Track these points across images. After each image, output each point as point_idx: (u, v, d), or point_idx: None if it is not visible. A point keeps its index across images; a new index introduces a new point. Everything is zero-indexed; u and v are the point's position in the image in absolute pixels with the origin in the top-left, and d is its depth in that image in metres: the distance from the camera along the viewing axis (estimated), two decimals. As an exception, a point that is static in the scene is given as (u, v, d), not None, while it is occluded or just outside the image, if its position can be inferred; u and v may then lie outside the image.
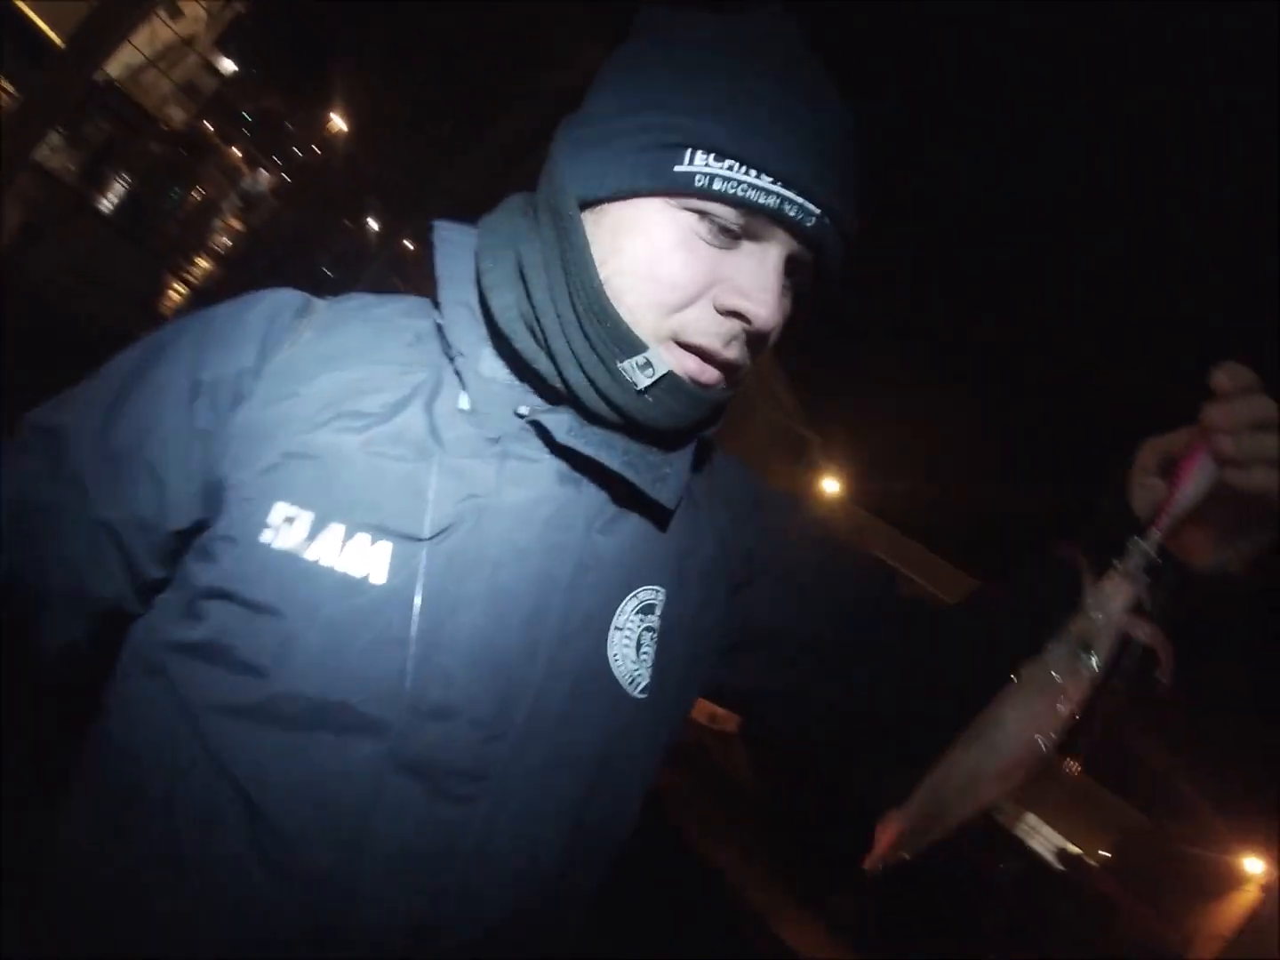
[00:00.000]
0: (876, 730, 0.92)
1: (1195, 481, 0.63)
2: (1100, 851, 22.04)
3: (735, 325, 0.77)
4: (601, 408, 0.78)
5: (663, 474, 0.80)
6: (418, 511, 0.73)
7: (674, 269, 0.75)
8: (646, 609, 0.81)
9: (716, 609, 0.88)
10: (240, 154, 19.84)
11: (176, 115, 17.63)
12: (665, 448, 0.82)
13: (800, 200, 0.73)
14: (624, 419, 0.78)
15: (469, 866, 0.70)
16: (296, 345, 0.79)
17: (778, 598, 0.91)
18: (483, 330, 0.82)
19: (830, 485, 19.59)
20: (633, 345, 0.75)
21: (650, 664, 0.80)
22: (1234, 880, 20.76)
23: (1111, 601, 0.59)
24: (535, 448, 0.79)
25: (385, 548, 0.72)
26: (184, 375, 0.77)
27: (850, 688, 0.91)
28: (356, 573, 0.71)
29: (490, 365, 0.81)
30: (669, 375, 0.76)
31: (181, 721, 0.69)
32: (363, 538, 0.72)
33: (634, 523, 0.82)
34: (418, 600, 0.71)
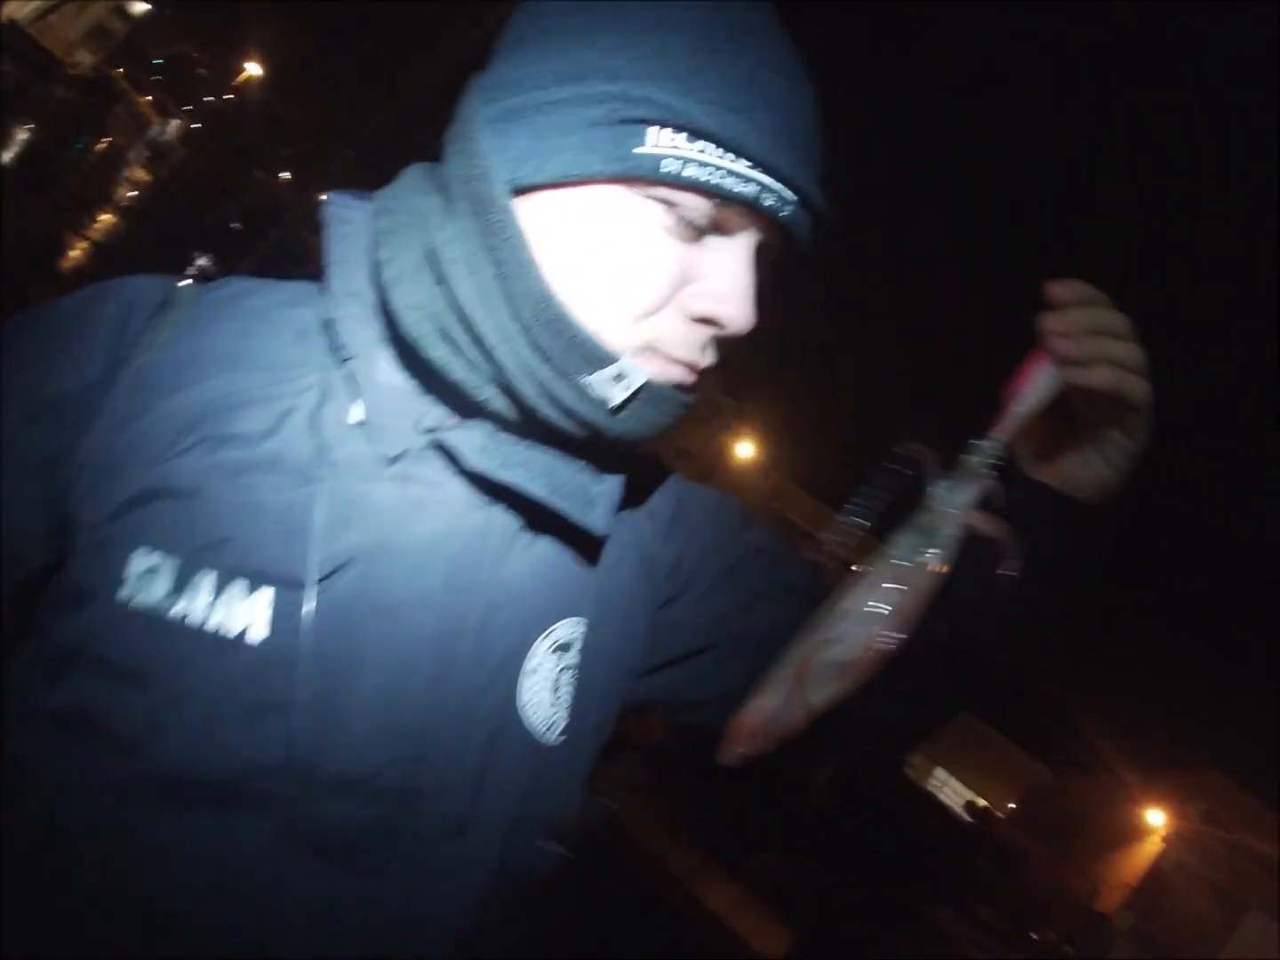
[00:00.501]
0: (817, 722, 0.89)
1: (1035, 384, 0.66)
2: (1008, 804, 22.97)
3: (709, 331, 0.67)
4: (568, 425, 0.67)
5: (592, 497, 0.71)
6: (301, 551, 0.63)
7: (640, 271, 0.64)
8: (563, 647, 0.73)
9: (639, 634, 0.81)
10: (150, 101, 19.08)
11: (85, 59, 16.88)
12: (599, 463, 0.72)
13: (779, 188, 0.63)
14: (596, 437, 0.68)
15: (386, 941, 0.64)
16: (154, 350, 0.68)
17: (707, 608, 0.86)
18: (381, 328, 0.70)
19: (745, 450, 19.82)
20: (600, 357, 0.64)
21: (568, 705, 0.73)
22: (1137, 832, 21.81)
23: (954, 496, 0.60)
24: (441, 469, 0.68)
25: (265, 597, 0.62)
26: (19, 392, 0.66)
27: None
28: (232, 629, 0.61)
29: (389, 370, 0.70)
30: (648, 384, 0.66)
31: (62, 798, 0.61)
32: (238, 586, 0.62)
33: (551, 548, 0.73)
34: (302, 661, 0.62)
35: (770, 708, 0.60)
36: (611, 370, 0.65)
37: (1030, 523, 0.73)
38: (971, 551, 0.74)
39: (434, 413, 0.69)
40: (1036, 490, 0.76)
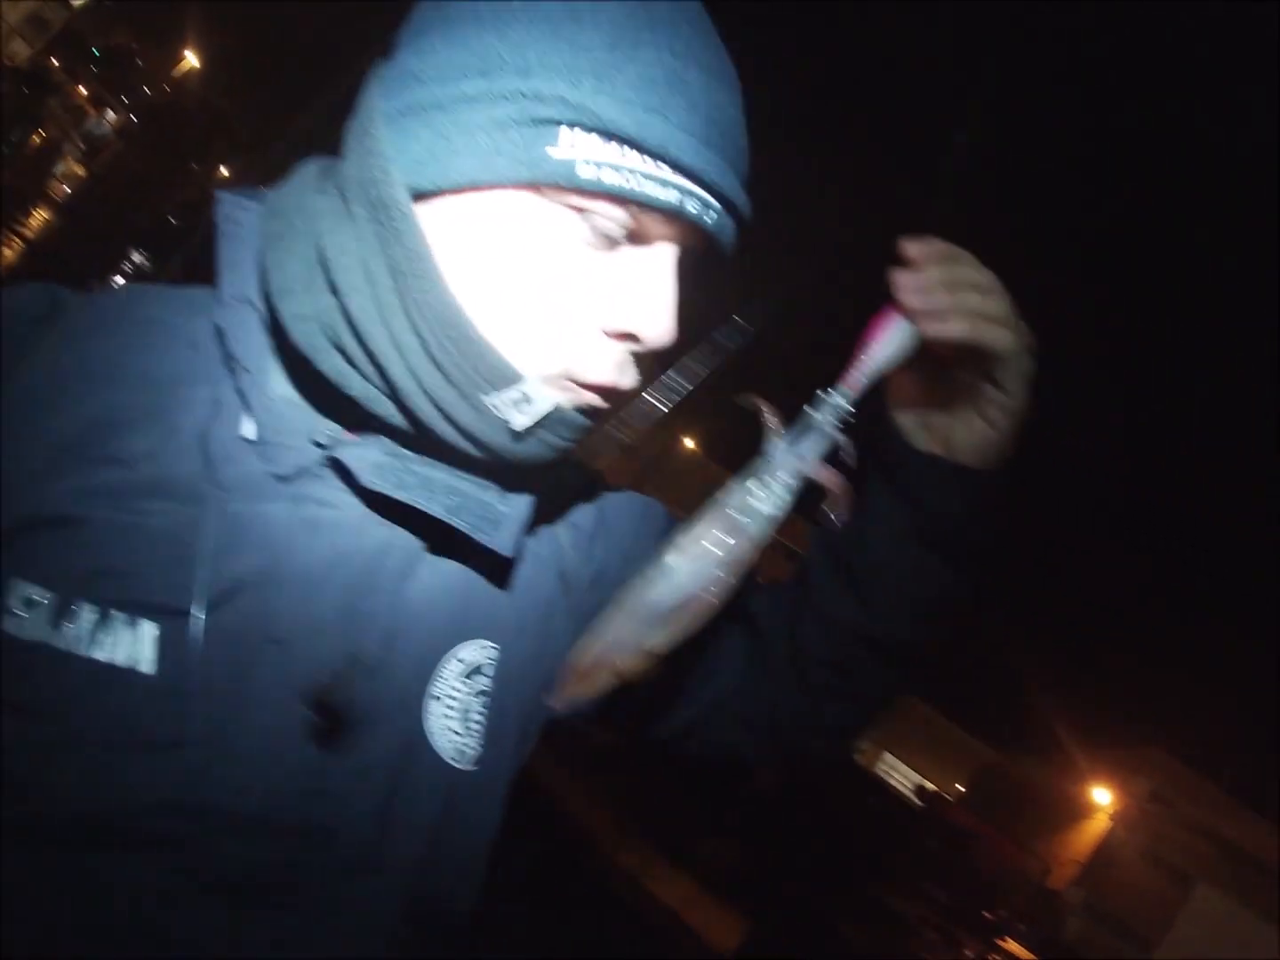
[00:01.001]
0: (750, 722, 0.85)
1: (886, 338, 0.64)
2: (957, 787, 23.39)
3: (628, 347, 0.63)
4: (466, 446, 0.63)
5: (497, 515, 0.66)
6: (187, 579, 0.59)
7: (552, 285, 0.60)
8: (473, 671, 0.69)
9: (559, 653, 0.73)
10: (87, 93, 18.64)
11: (21, 50, 16.46)
12: (506, 480, 0.67)
13: (701, 194, 0.59)
14: (491, 457, 0.64)
15: None
16: (32, 367, 0.63)
17: None
18: (271, 339, 0.66)
19: (687, 443, 19.91)
20: (504, 375, 0.60)
21: (481, 731, 0.69)
22: (1085, 810, 22.30)
23: (793, 449, 0.60)
24: (336, 487, 0.64)
25: (149, 629, 0.58)
26: None
27: (727, 686, 0.85)
28: (120, 662, 0.58)
29: (282, 382, 0.66)
30: (554, 410, 0.62)
31: None
32: (119, 619, 0.58)
33: (457, 569, 0.69)
34: (190, 695, 0.59)
35: (600, 650, 0.58)
36: (516, 392, 0.60)
37: (921, 495, 0.72)
38: (878, 535, 0.74)
39: (329, 427, 0.65)
40: (923, 460, 0.72)
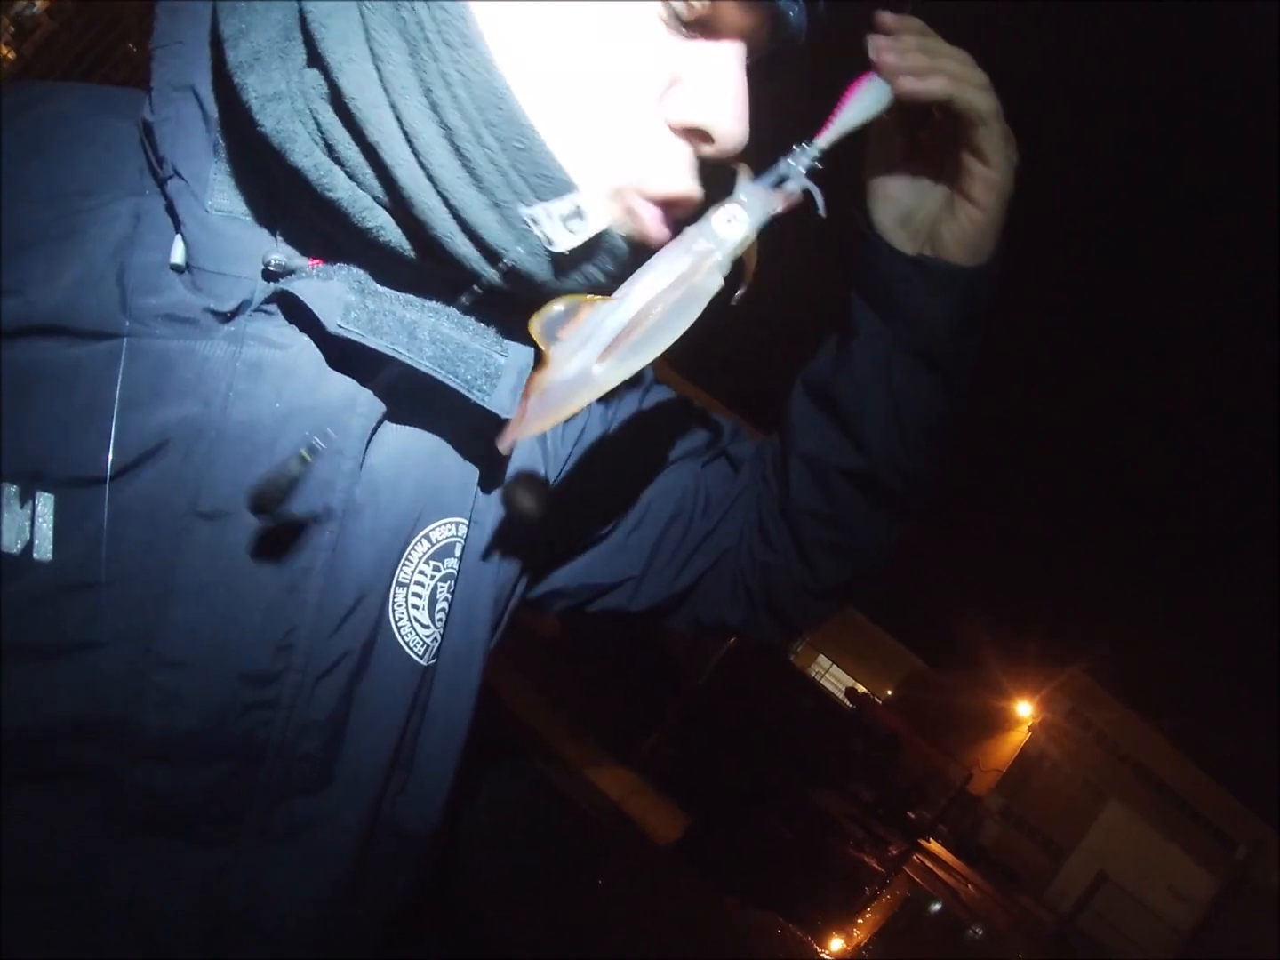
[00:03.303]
0: (743, 585, 0.81)
1: (861, 94, 0.60)
2: (887, 692, 24.13)
3: (695, 148, 0.53)
4: (487, 272, 0.51)
5: (495, 367, 0.55)
6: (94, 441, 0.48)
7: (622, 66, 0.49)
8: (442, 552, 0.59)
9: (531, 530, 0.66)
10: (11, -29, 17.50)
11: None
12: (506, 325, 0.56)
13: None
14: (521, 290, 0.53)
15: (238, 922, 0.54)
16: None
17: (608, 483, 0.75)
18: (219, 135, 0.52)
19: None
20: (556, 182, 0.48)
21: (445, 621, 0.60)
22: (1007, 723, 23.16)
23: (759, 191, 0.54)
24: (288, 327, 0.52)
25: (45, 504, 0.47)
26: None
27: (717, 551, 0.80)
28: (10, 547, 0.47)
29: (226, 191, 0.51)
30: (605, 232, 0.51)
31: None
32: (8, 492, 0.47)
33: (434, 432, 0.58)
34: (101, 585, 0.48)
35: (550, 380, 0.49)
36: (567, 204, 0.49)
37: (913, 303, 0.67)
38: (866, 358, 0.69)
39: (285, 251, 0.52)
40: (911, 264, 0.66)
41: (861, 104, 0.60)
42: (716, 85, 0.52)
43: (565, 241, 0.49)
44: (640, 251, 0.52)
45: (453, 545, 0.60)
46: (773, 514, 0.77)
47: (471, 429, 0.58)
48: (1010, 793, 21.69)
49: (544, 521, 0.64)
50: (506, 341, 0.56)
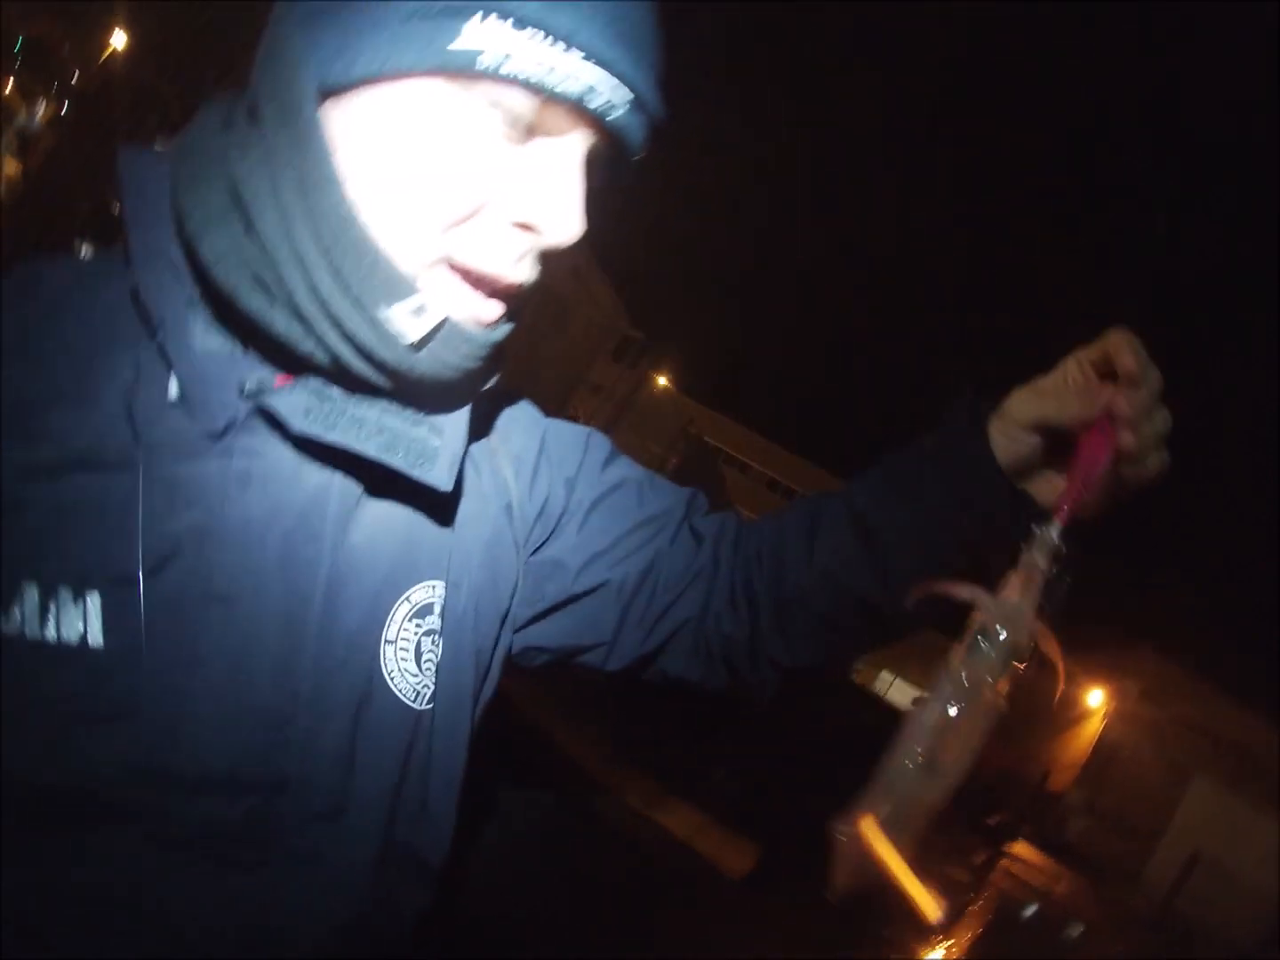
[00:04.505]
0: (723, 647, 0.85)
1: (1098, 468, 0.63)
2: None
3: (526, 240, 0.62)
4: (365, 370, 0.62)
5: (431, 449, 0.66)
6: (125, 547, 0.59)
7: (453, 172, 0.59)
8: (422, 611, 0.70)
9: (508, 586, 0.78)
10: (14, 87, 18.10)
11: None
12: (435, 412, 0.67)
13: (612, 85, 0.58)
14: (392, 380, 0.63)
15: (279, 933, 0.64)
16: None
17: (581, 548, 0.82)
18: (192, 289, 0.64)
19: (660, 380, 19.86)
20: (400, 286, 0.60)
21: (434, 670, 0.70)
22: (1079, 714, 22.71)
23: (1021, 598, 0.58)
24: (268, 437, 0.63)
25: (94, 601, 0.59)
26: None
27: (682, 619, 0.84)
28: (70, 638, 0.58)
29: (205, 334, 0.64)
30: (446, 321, 0.62)
31: None
32: (64, 594, 0.58)
33: (399, 509, 0.69)
34: (143, 660, 0.59)
35: (876, 829, 0.56)
36: (410, 302, 0.60)
37: (997, 524, 0.71)
38: (923, 526, 0.73)
39: (257, 375, 0.63)
40: (1019, 500, 0.71)
41: (1097, 479, 0.62)
42: (546, 183, 0.61)
43: (414, 332, 0.61)
44: (477, 334, 0.64)
45: (432, 605, 0.70)
46: (749, 592, 0.81)
47: (432, 502, 0.69)
48: (1091, 784, 21.22)
49: (515, 586, 0.78)
50: (441, 428, 0.67)
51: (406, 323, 0.60)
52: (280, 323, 0.61)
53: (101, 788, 0.58)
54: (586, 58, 0.57)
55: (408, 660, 0.68)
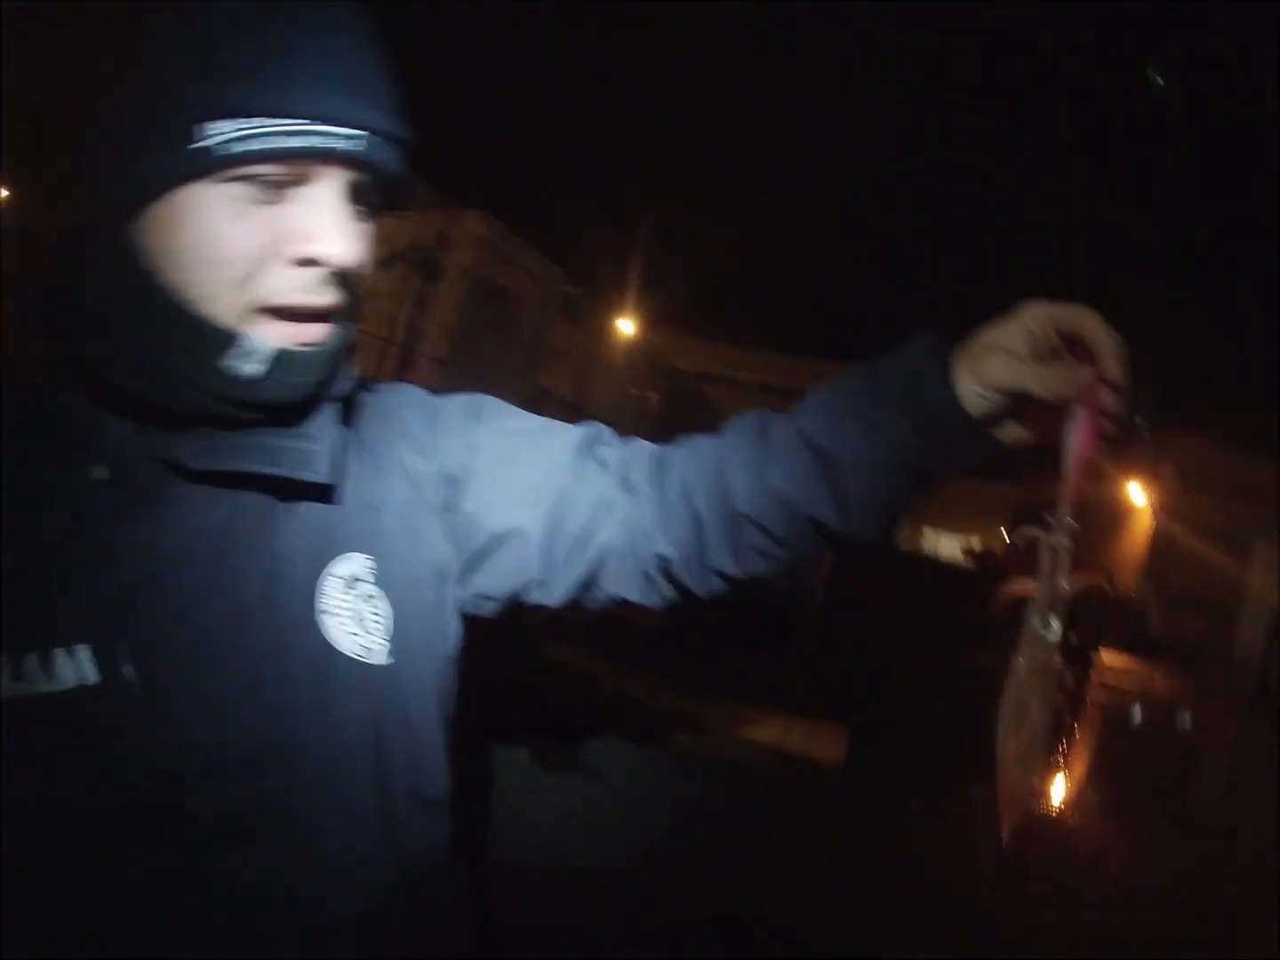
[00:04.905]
0: (655, 568, 0.92)
1: (1091, 456, 0.70)
2: (1000, 534, 23.77)
3: (315, 272, 0.75)
4: (231, 410, 0.76)
5: (309, 452, 0.78)
6: (93, 603, 0.71)
7: (227, 245, 0.72)
8: (353, 581, 0.80)
9: (434, 546, 0.88)
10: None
11: None
12: (302, 421, 0.80)
13: (337, 131, 0.71)
14: (257, 410, 0.76)
15: (311, 900, 0.72)
16: None
17: (489, 499, 0.91)
18: (86, 385, 0.77)
19: (625, 326, 19.71)
20: (226, 338, 0.74)
21: (385, 629, 0.80)
22: (1126, 513, 22.74)
23: (1054, 577, 0.68)
24: (178, 484, 0.76)
25: (84, 651, 0.70)
26: None
27: (605, 545, 0.91)
28: (71, 685, 0.70)
29: (111, 420, 0.77)
30: (278, 352, 0.75)
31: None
32: (60, 654, 0.70)
33: (308, 507, 0.81)
34: (131, 685, 0.70)
35: (1019, 788, 0.69)
36: (239, 348, 0.73)
37: (951, 450, 0.78)
38: (880, 454, 0.78)
39: (158, 440, 0.76)
40: (967, 427, 0.78)
41: (1087, 464, 0.69)
42: (311, 222, 0.73)
43: (253, 370, 0.74)
44: (309, 353, 0.77)
45: (360, 575, 0.80)
46: (690, 511, 0.86)
47: (329, 494, 0.80)
48: (1158, 578, 21.30)
49: (439, 546, 0.88)
50: (314, 435, 0.79)
51: (244, 365, 0.73)
52: (161, 396, 0.74)
53: (128, 803, 0.68)
54: (306, 119, 0.69)
55: (348, 625, 0.78)
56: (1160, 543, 21.52)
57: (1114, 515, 21.80)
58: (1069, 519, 0.69)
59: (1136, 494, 21.84)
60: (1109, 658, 11.05)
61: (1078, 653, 10.08)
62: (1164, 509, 21.62)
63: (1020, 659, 0.69)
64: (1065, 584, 0.68)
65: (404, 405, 0.94)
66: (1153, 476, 21.40)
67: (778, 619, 6.31)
